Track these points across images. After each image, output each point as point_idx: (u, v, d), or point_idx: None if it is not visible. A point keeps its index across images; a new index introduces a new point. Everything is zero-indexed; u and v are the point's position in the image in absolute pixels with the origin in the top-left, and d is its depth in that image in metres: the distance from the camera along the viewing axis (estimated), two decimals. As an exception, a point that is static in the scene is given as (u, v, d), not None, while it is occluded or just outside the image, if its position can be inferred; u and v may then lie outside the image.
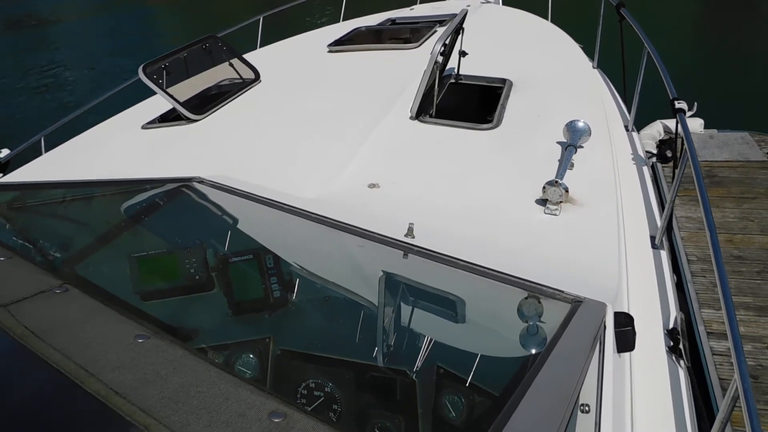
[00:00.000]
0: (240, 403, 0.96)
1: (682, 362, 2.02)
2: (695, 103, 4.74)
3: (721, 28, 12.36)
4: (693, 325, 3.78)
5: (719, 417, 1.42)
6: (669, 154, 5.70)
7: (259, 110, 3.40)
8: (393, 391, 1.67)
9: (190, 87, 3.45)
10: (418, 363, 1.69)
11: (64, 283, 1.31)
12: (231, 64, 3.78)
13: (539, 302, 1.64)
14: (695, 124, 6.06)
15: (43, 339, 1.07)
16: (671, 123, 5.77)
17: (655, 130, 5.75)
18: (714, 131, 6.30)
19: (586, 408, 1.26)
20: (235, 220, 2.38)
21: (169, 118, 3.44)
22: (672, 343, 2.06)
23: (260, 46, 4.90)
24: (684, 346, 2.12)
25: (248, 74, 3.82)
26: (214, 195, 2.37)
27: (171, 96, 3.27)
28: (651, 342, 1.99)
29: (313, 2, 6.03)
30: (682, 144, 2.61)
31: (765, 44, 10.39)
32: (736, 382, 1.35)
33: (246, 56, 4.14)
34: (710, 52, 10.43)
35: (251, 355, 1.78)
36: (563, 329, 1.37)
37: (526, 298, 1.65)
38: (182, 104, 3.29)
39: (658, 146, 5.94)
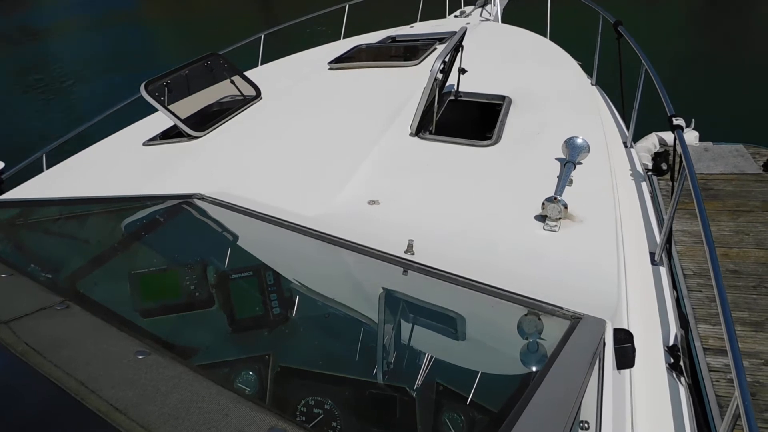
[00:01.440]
0: (240, 420, 0.96)
1: (682, 379, 2.01)
2: (692, 120, 4.80)
3: (714, 41, 12.48)
4: (690, 341, 3.77)
5: None
6: (665, 167, 5.73)
7: (260, 127, 3.43)
8: (392, 409, 1.66)
9: (191, 104, 3.48)
10: (418, 380, 1.68)
11: (65, 299, 1.32)
12: (232, 81, 3.81)
13: (538, 319, 1.64)
14: (690, 137, 6.09)
15: (43, 355, 1.07)
16: (666, 135, 5.80)
17: (651, 142, 5.77)
18: (709, 143, 6.33)
19: (585, 425, 1.26)
20: (236, 237, 2.39)
21: (170, 135, 3.46)
22: (672, 360, 2.05)
23: (261, 63, 4.94)
24: (684, 363, 2.11)
25: (249, 91, 3.85)
26: (214, 212, 2.37)
27: (172, 113, 3.29)
28: (651, 359, 1.98)
29: (314, 20, 6.08)
30: (681, 160, 2.62)
31: (758, 57, 10.47)
32: (736, 400, 1.35)
33: (247, 73, 4.18)
34: (704, 64, 10.51)
35: (251, 372, 1.78)
36: (562, 346, 1.37)
37: (525, 314, 1.65)
38: (183, 121, 3.32)
39: (653, 159, 5.97)
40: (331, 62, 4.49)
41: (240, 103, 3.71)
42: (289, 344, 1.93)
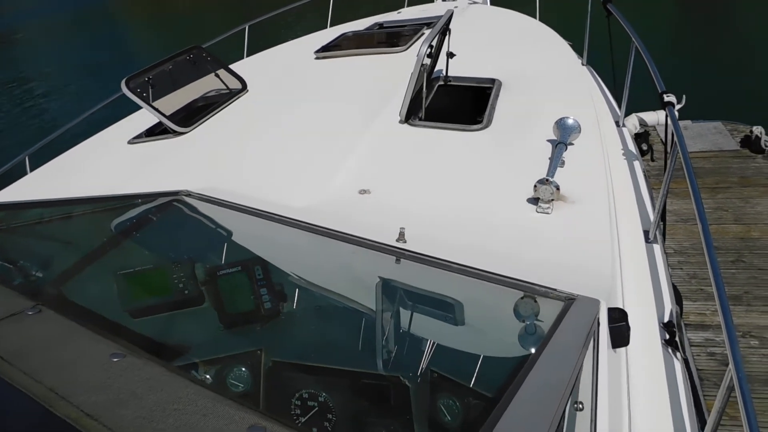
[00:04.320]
0: (218, 419, 0.93)
1: (678, 354, 2.00)
2: (683, 96, 4.74)
3: (691, 19, 12.41)
4: None
5: (716, 406, 1.40)
6: (645, 147, 5.71)
7: (247, 120, 3.37)
8: (387, 398, 1.64)
9: (175, 99, 3.42)
10: (412, 368, 1.66)
11: (38, 303, 1.28)
12: (217, 75, 3.74)
13: (532, 301, 1.62)
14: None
15: (11, 363, 1.03)
16: (647, 116, 5.78)
17: (631, 123, 5.75)
18: (688, 122, 6.33)
19: (580, 405, 1.24)
20: (224, 233, 2.35)
21: (155, 132, 3.40)
22: (668, 336, 2.04)
23: (247, 55, 4.87)
24: (680, 338, 2.10)
25: (235, 84, 3.78)
26: (202, 208, 2.33)
27: (156, 109, 3.23)
28: (647, 336, 1.96)
29: (300, 9, 5.99)
30: (673, 137, 2.58)
31: (734, 33, 10.45)
32: (730, 372, 1.32)
33: (232, 66, 4.11)
34: (677, 42, 10.48)
35: (243, 369, 1.75)
36: (556, 327, 1.35)
37: (519, 298, 1.63)
38: (168, 117, 3.25)
39: (634, 140, 5.96)
40: (317, 51, 4.42)
41: (226, 97, 3.64)
42: (281, 338, 1.90)
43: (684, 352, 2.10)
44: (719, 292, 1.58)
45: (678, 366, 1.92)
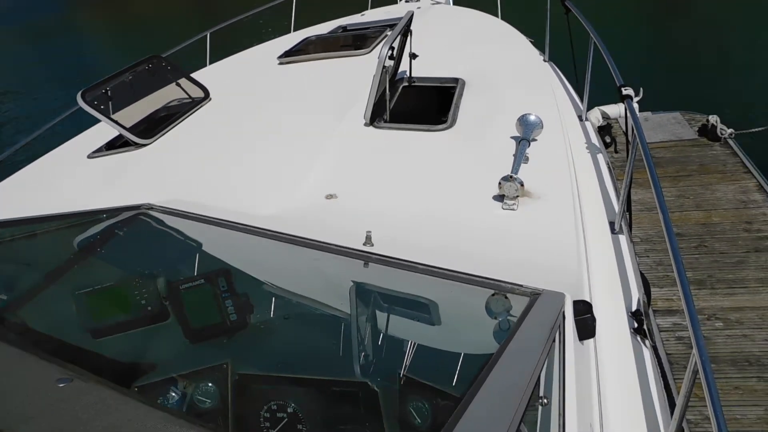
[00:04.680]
0: None
1: (647, 342, 2.04)
2: (641, 89, 4.87)
3: (649, 13, 12.71)
4: None
5: (683, 390, 1.42)
6: (608, 140, 5.84)
7: (211, 129, 3.33)
8: (357, 404, 1.63)
9: (136, 111, 3.35)
10: (382, 373, 1.66)
11: None
12: (178, 84, 3.68)
13: (499, 299, 1.63)
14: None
15: None
16: (609, 109, 5.91)
17: (594, 117, 5.87)
18: (648, 113, 6.52)
19: (544, 401, 1.25)
20: (188, 245, 2.31)
21: (116, 145, 3.33)
22: (636, 325, 2.07)
23: (210, 63, 4.80)
24: (648, 326, 2.14)
25: (197, 93, 3.73)
26: (165, 221, 2.29)
27: (115, 122, 3.16)
28: (615, 326, 1.99)
29: (263, 15, 5.94)
30: (633, 129, 2.64)
31: (691, 26, 10.76)
32: (694, 356, 1.35)
33: (194, 74, 4.05)
34: (639, 37, 10.74)
35: (209, 384, 1.72)
36: (520, 323, 1.36)
37: (485, 296, 1.64)
38: (129, 129, 3.19)
39: (597, 133, 6.08)
40: (280, 56, 4.39)
41: (188, 106, 3.59)
42: (248, 350, 1.87)
43: (652, 338, 2.14)
44: (681, 280, 1.61)
45: (647, 353, 1.96)
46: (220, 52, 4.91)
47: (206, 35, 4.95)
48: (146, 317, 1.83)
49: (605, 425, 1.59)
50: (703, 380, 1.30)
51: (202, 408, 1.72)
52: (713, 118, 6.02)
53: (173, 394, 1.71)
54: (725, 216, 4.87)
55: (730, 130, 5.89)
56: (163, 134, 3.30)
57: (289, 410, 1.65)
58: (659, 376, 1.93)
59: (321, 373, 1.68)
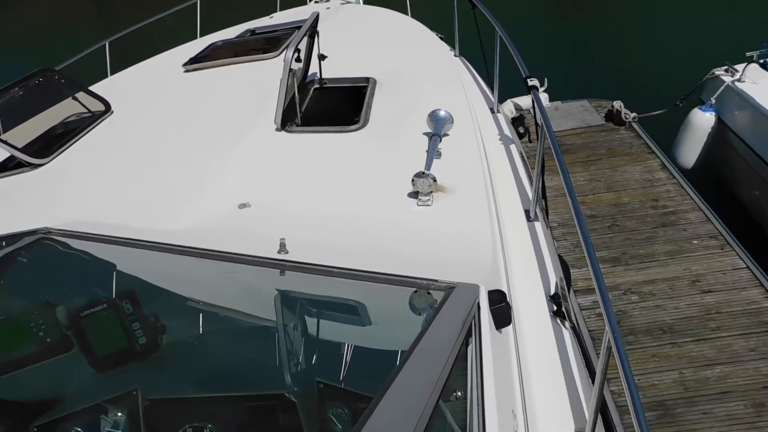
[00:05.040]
0: None
1: (566, 323, 2.10)
2: (545, 79, 5.07)
3: (552, 7, 13.29)
4: None
5: (600, 367, 1.46)
6: (522, 130, 6.05)
7: (114, 144, 3.15)
8: (276, 417, 1.58)
9: (28, 129, 3.12)
10: (300, 382, 1.62)
11: None
12: (75, 98, 3.46)
13: (416, 296, 1.63)
14: (541, 98, 6.48)
15: None
16: (521, 100, 6.13)
17: (507, 109, 6.07)
18: (558, 103, 6.83)
19: (458, 394, 1.25)
20: (91, 269, 2.17)
21: (8, 166, 3.08)
22: (555, 308, 2.13)
23: (110, 74, 4.55)
24: (566, 308, 2.21)
25: (97, 106, 3.52)
26: (64, 245, 2.14)
27: (5, 142, 2.92)
28: (535, 311, 2.04)
29: (167, 20, 5.69)
30: (540, 119, 2.72)
31: (592, 18, 11.36)
32: (608, 334, 1.40)
33: (94, 87, 3.83)
34: (546, 28, 11.22)
35: (118, 414, 1.61)
36: (433, 318, 1.35)
37: (401, 295, 1.64)
38: (21, 150, 2.96)
39: (510, 124, 6.30)
40: (186, 63, 4.22)
41: (87, 121, 3.38)
42: (160, 373, 1.78)
43: (571, 319, 2.21)
44: (591, 261, 1.67)
45: (567, 334, 2.01)
46: (122, 62, 4.66)
47: (105, 45, 4.68)
48: (46, 350, 1.69)
49: (529, 409, 1.62)
50: (615, 355, 1.35)
51: None
52: (617, 104, 6.37)
53: (78, 430, 1.59)
54: (634, 195, 5.16)
55: (633, 114, 6.25)
56: (61, 152, 3.09)
57: (205, 431, 1.57)
58: (580, 354, 1.99)
59: (238, 389, 1.62)
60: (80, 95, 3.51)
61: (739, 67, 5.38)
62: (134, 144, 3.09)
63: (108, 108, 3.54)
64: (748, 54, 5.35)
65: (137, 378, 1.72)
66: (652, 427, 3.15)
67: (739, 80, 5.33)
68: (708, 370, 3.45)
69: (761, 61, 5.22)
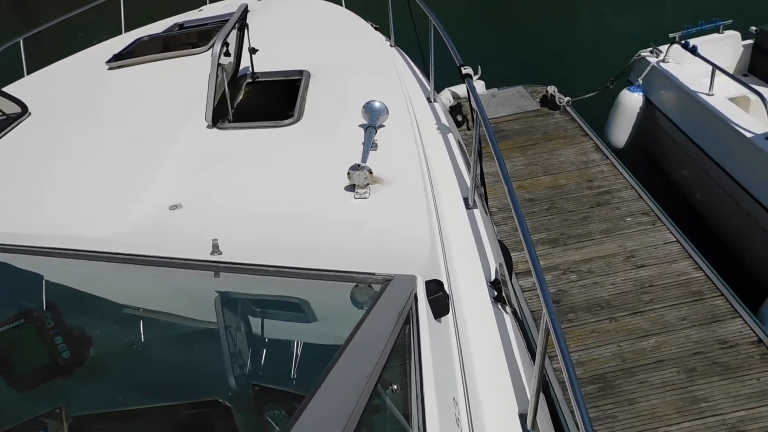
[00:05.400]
0: None
1: (507, 308, 2.13)
2: (479, 67, 5.16)
3: None
4: None
5: (539, 349, 1.49)
6: (460, 118, 6.14)
7: (31, 148, 2.97)
8: (211, 425, 1.53)
9: None
10: (235, 387, 1.57)
11: None
12: (-14, 101, 3.24)
13: (354, 291, 1.61)
14: (478, 86, 6.60)
15: None
16: (458, 89, 6.21)
17: (445, 97, 6.14)
18: (495, 90, 6.97)
19: (394, 387, 1.24)
20: (6, 283, 2.03)
21: None
22: (496, 293, 2.16)
23: (27, 73, 4.28)
24: (506, 293, 2.24)
25: (12, 108, 3.31)
26: None
27: None
28: (475, 298, 2.05)
29: (88, 15, 5.39)
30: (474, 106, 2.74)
31: (522, 6, 11.62)
32: (545, 316, 1.43)
33: (8, 87, 3.59)
34: (481, 16, 11.40)
35: None
36: (369, 312, 1.34)
37: (338, 291, 1.62)
38: None
39: (448, 113, 6.38)
40: (109, 61, 4.03)
41: (1, 125, 3.17)
42: (87, 388, 1.69)
43: (512, 303, 2.25)
44: (527, 244, 1.68)
45: (508, 319, 2.04)
46: (39, 61, 4.39)
47: (19, 42, 4.40)
48: None
49: (471, 395, 1.63)
50: (552, 334, 1.37)
51: None
52: (551, 89, 6.54)
53: None
54: (570, 177, 5.32)
55: (567, 99, 6.44)
56: None
57: None
58: (522, 337, 2.03)
59: (171, 398, 1.56)
60: (-7, 97, 3.29)
61: (663, 48, 5.61)
62: (54, 148, 2.92)
63: (25, 110, 3.33)
64: (671, 35, 5.56)
65: (61, 395, 1.62)
66: (593, 400, 3.27)
67: (663, 61, 5.56)
68: (644, 341, 3.60)
69: (683, 42, 5.44)
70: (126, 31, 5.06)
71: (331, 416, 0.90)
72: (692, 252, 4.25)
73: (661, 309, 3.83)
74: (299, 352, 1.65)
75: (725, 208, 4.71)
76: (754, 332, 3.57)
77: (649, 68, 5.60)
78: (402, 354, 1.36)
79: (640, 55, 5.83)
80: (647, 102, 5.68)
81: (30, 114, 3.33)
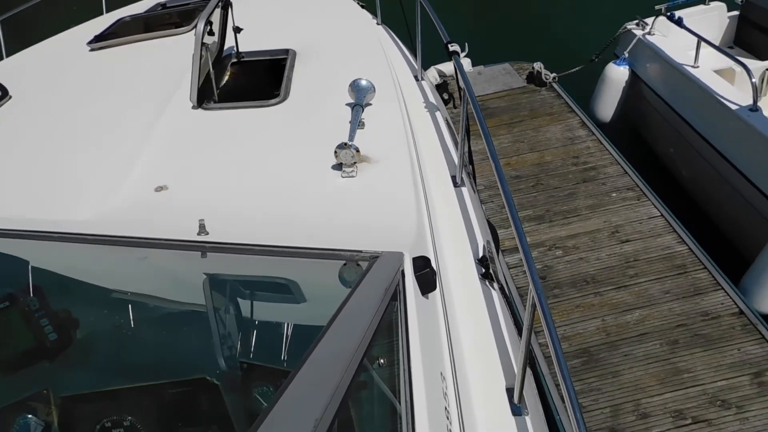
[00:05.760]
0: None
1: (495, 284, 2.17)
2: (466, 44, 5.11)
3: None
4: None
5: (525, 325, 1.53)
6: (446, 96, 6.12)
7: (12, 132, 2.94)
8: (199, 402, 1.56)
9: None
10: (223, 364, 1.60)
11: None
12: (-35, 84, 3.18)
13: (339, 268, 1.63)
14: (464, 64, 6.56)
15: None
16: (444, 67, 6.16)
17: (432, 76, 6.10)
18: (481, 67, 6.92)
19: (381, 362, 1.27)
20: None
21: None
22: (483, 270, 2.19)
23: (6, 56, 4.21)
24: (494, 270, 2.28)
25: (-8, 92, 3.25)
26: None
27: None
28: (463, 275, 2.09)
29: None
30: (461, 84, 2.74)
31: None
32: (531, 291, 1.46)
33: (-13, 71, 3.53)
34: None
35: (29, 416, 1.54)
36: (355, 288, 1.36)
37: (326, 268, 1.64)
38: None
39: (435, 91, 6.34)
40: (91, 42, 3.97)
41: None
42: (74, 369, 1.71)
43: (499, 280, 2.28)
44: (515, 222, 1.71)
45: (495, 295, 2.07)
46: (18, 43, 4.30)
47: None
48: None
49: (459, 370, 1.67)
50: (539, 309, 1.41)
51: None
52: (537, 65, 6.52)
53: None
54: (556, 154, 5.35)
55: (553, 75, 6.43)
56: None
57: (126, 423, 1.54)
58: (509, 313, 2.07)
59: (159, 377, 1.58)
60: (-29, 81, 3.24)
61: (649, 20, 5.57)
62: (36, 131, 2.89)
63: (5, 93, 3.29)
64: (656, 7, 5.52)
65: (48, 377, 1.64)
66: (577, 373, 3.35)
67: (649, 33, 5.52)
68: (628, 315, 3.67)
69: (669, 13, 5.40)
70: (107, 11, 4.97)
71: (317, 389, 0.92)
72: (676, 226, 4.31)
73: (645, 283, 3.89)
74: (287, 330, 1.68)
75: (709, 180, 4.76)
76: (735, 304, 3.65)
77: (635, 41, 5.56)
78: (389, 330, 1.39)
79: (626, 27, 5.79)
80: (633, 75, 5.67)
81: (10, 97, 3.28)
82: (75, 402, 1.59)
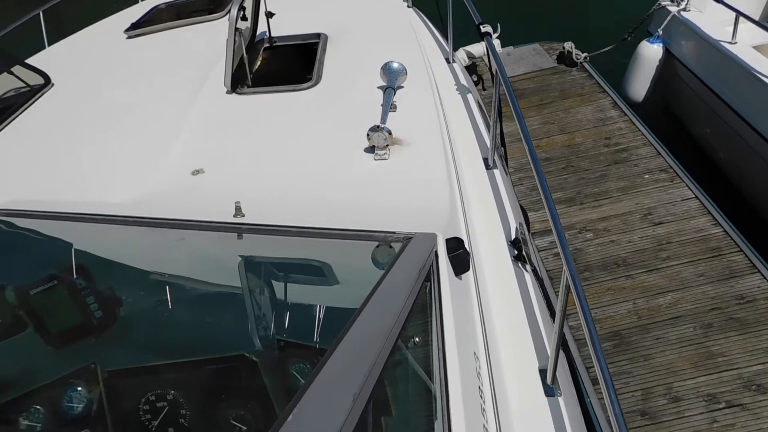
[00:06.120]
0: None
1: (527, 266, 2.18)
2: (498, 25, 5.04)
3: None
4: None
5: (559, 307, 1.54)
6: (475, 78, 6.06)
7: (57, 118, 3.04)
8: (239, 378, 1.62)
9: None
10: (261, 342, 1.65)
11: None
12: (11, 72, 3.31)
13: (373, 249, 1.66)
14: (495, 45, 6.46)
15: None
16: (472, 48, 6.09)
17: (461, 58, 6.04)
18: (510, 48, 6.79)
19: (416, 340, 1.30)
20: (39, 247, 2.13)
21: None
22: (516, 252, 2.21)
23: (48, 45, 4.34)
24: (526, 252, 2.29)
25: (36, 80, 3.37)
26: (8, 225, 2.09)
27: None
28: (496, 257, 2.10)
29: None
30: (493, 65, 2.72)
31: None
32: (565, 273, 1.47)
33: (31, 59, 3.65)
34: None
35: (78, 388, 1.63)
36: (389, 269, 1.39)
37: (360, 249, 1.67)
38: None
39: (465, 73, 6.28)
40: (128, 30, 4.06)
41: (26, 96, 3.24)
42: (119, 345, 1.79)
43: (532, 262, 2.29)
44: (548, 204, 1.72)
45: (528, 277, 2.08)
46: (60, 32, 4.42)
47: (39, 14, 4.43)
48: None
49: (492, 350, 1.69)
50: (573, 292, 1.42)
51: (73, 415, 1.63)
52: (568, 45, 6.40)
53: (37, 407, 1.61)
54: (587, 135, 5.27)
55: (584, 54, 6.30)
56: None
57: (169, 398, 1.61)
58: (541, 295, 2.08)
59: (199, 354, 1.65)
60: (17, 69, 3.36)
61: None
62: (78, 117, 3.00)
63: (48, 81, 3.40)
64: None
65: (95, 352, 1.72)
66: (609, 357, 3.34)
67: (684, 9, 5.34)
68: (660, 298, 3.64)
69: None
70: (142, 0, 5.06)
71: (355, 366, 0.94)
72: (711, 208, 4.22)
73: (677, 266, 3.84)
74: (322, 309, 1.73)
75: (748, 162, 4.62)
76: (772, 287, 3.58)
77: (669, 18, 5.38)
78: (423, 310, 1.41)
79: (660, 4, 5.60)
80: (667, 53, 5.49)
81: (53, 85, 3.40)
82: (121, 376, 1.67)
